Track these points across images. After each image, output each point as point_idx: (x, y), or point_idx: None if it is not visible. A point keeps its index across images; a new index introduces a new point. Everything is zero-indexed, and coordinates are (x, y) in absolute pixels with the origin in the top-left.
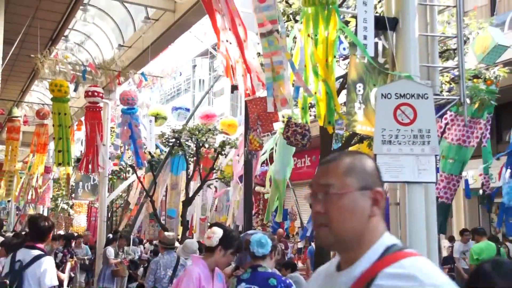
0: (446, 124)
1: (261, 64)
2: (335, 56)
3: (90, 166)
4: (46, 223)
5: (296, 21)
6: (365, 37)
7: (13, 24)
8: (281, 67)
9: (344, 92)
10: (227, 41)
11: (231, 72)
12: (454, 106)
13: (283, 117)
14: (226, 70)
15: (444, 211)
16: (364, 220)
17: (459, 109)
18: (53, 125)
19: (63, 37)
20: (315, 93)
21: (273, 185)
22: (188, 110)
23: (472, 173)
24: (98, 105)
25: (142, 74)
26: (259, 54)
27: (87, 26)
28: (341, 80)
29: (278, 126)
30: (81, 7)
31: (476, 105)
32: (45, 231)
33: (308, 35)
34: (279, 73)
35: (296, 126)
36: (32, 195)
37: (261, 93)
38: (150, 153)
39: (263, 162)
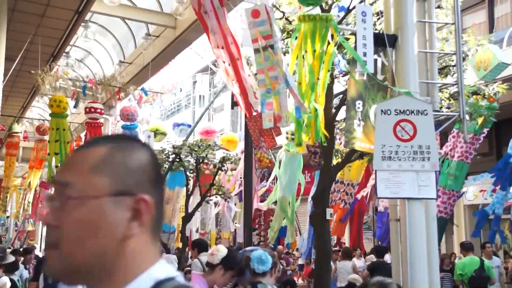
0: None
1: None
2: (329, 70)
3: None
4: None
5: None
6: (364, 54)
7: (15, 41)
8: (276, 82)
9: (344, 108)
10: (223, 62)
11: (232, 86)
12: (458, 123)
13: (287, 133)
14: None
15: (442, 226)
16: (116, 241)
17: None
18: (49, 141)
19: (64, 53)
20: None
21: (278, 205)
22: (190, 126)
23: (473, 189)
24: (98, 121)
25: (143, 89)
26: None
27: (88, 43)
28: (341, 96)
29: (283, 143)
30: (82, 23)
31: (480, 122)
32: None
33: (306, 51)
34: (275, 88)
35: (312, 147)
36: (28, 210)
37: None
38: None
39: (262, 179)
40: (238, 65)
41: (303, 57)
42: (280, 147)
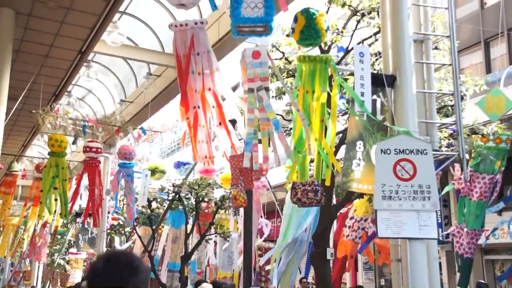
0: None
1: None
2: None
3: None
4: None
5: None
6: (362, 94)
7: (18, 81)
8: (268, 124)
9: (343, 147)
10: (193, 107)
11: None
12: (476, 164)
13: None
14: (193, 149)
15: (468, 266)
16: None
17: (479, 166)
18: (43, 178)
19: (66, 92)
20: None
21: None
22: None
23: None
24: (97, 159)
25: (142, 128)
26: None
27: (90, 82)
28: (340, 135)
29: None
30: (85, 63)
31: (499, 164)
32: None
33: (307, 91)
34: (264, 129)
35: (303, 186)
36: (25, 248)
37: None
38: (149, 207)
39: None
40: (222, 108)
41: (304, 97)
42: (282, 185)
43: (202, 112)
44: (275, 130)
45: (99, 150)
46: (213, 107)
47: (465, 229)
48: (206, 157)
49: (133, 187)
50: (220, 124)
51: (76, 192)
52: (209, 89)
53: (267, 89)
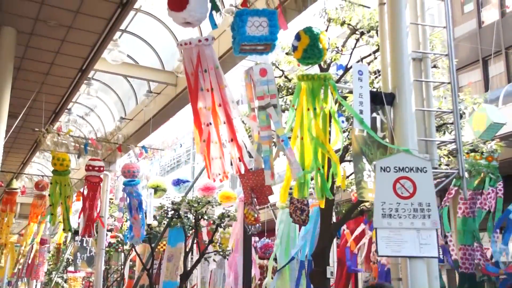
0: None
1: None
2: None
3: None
4: None
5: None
6: (361, 112)
7: (19, 99)
8: (270, 142)
9: (343, 165)
10: (206, 124)
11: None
12: (458, 180)
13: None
14: (207, 168)
15: (469, 281)
16: None
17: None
18: (49, 194)
19: (66, 110)
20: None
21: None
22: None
23: None
24: (99, 177)
25: (143, 147)
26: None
27: (91, 99)
28: (340, 153)
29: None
30: (85, 81)
31: (479, 180)
32: None
33: (308, 109)
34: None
35: (297, 202)
36: (23, 267)
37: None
38: (148, 225)
39: (261, 233)
40: (233, 124)
41: (303, 114)
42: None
43: (214, 128)
44: (285, 146)
45: (102, 168)
46: (224, 123)
47: (460, 245)
48: (219, 174)
49: (140, 205)
50: (231, 140)
51: (83, 209)
52: (220, 105)
53: (275, 106)
